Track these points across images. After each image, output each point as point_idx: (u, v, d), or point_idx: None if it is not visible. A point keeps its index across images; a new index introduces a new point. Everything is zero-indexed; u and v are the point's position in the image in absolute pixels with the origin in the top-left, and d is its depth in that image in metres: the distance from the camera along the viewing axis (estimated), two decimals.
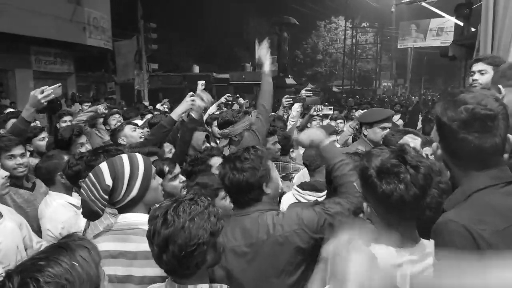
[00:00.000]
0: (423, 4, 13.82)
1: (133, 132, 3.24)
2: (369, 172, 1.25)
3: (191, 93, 3.06)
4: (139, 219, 1.56)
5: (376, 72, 32.62)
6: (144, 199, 1.60)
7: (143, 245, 1.38)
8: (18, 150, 2.50)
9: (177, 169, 2.31)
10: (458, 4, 10.50)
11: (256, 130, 2.55)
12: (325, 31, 35.66)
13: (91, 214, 1.59)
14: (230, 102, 4.94)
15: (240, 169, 1.60)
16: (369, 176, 1.25)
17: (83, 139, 3.15)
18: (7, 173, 2.12)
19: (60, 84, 2.79)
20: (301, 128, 4.52)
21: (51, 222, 2.29)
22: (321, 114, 5.12)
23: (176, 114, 3.06)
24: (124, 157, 1.61)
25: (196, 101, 2.88)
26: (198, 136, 3.13)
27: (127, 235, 1.53)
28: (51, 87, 2.67)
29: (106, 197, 1.54)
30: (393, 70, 34.98)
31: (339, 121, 5.62)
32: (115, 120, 4.38)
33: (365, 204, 1.36)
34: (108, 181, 1.54)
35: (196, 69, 27.91)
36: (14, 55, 13.62)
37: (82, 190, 1.58)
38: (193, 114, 2.87)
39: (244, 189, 1.61)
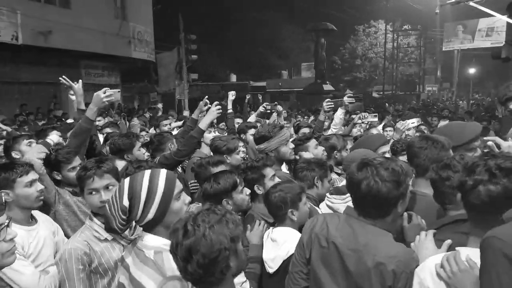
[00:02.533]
0: (471, 3, 13.10)
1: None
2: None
3: (216, 102, 3.16)
4: (157, 243, 1.51)
5: (420, 76, 31.30)
6: (163, 222, 1.52)
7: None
8: (77, 162, 2.55)
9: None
10: (511, 2, 9.86)
11: None
12: (364, 35, 34.87)
13: (110, 229, 1.58)
14: (269, 111, 4.93)
15: (384, 178, 1.47)
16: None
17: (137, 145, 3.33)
18: (42, 187, 2.15)
19: (119, 89, 2.94)
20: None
21: None
22: (366, 122, 4.93)
23: (204, 124, 3.18)
24: (146, 175, 1.52)
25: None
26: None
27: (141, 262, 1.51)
28: (111, 90, 2.79)
29: (124, 216, 1.50)
30: (438, 74, 33.42)
31: (388, 129, 5.21)
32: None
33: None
34: (125, 201, 1.49)
35: (233, 78, 28.37)
36: (66, 69, 14.53)
37: (106, 204, 1.55)
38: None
39: (378, 201, 1.49)
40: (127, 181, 1.53)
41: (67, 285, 1.76)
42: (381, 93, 29.33)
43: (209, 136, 3.86)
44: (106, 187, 1.98)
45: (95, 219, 1.93)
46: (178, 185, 1.56)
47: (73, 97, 3.15)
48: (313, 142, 3.25)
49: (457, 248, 1.34)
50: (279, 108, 4.97)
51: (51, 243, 2.15)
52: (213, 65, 29.47)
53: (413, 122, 4.53)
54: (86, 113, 2.79)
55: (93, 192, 1.96)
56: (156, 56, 19.15)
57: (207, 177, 2.37)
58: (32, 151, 2.53)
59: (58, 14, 12.48)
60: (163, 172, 1.55)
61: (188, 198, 1.62)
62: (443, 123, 7.70)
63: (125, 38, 15.90)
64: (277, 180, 2.50)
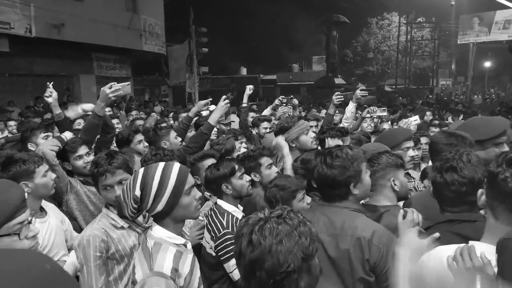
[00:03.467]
0: None
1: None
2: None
3: (224, 96, 3.13)
4: (161, 235, 1.52)
5: (434, 70, 30.74)
6: (171, 215, 1.52)
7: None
8: (83, 150, 2.64)
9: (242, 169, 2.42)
10: None
11: None
12: (377, 28, 34.35)
13: (122, 216, 1.60)
14: (284, 104, 4.86)
15: (329, 165, 1.67)
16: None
17: (140, 136, 3.30)
18: (55, 175, 2.27)
19: (129, 82, 2.85)
20: (353, 131, 4.31)
21: None
22: (375, 116, 4.82)
23: (213, 120, 3.22)
24: (160, 167, 1.53)
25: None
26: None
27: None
28: (119, 84, 2.73)
29: (135, 205, 1.51)
30: (453, 68, 32.78)
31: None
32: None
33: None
34: (137, 191, 1.50)
35: (244, 71, 28.28)
36: (79, 61, 14.74)
37: (120, 191, 1.58)
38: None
39: (330, 185, 1.69)
40: (141, 171, 1.54)
41: (85, 270, 1.81)
42: (394, 87, 28.94)
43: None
44: (120, 182, 1.99)
45: (111, 208, 1.98)
46: (190, 181, 1.55)
47: (50, 100, 3.14)
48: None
49: (471, 242, 1.30)
50: (295, 101, 4.89)
51: (61, 232, 2.23)
52: (223, 58, 29.43)
53: (416, 119, 4.47)
54: (94, 109, 2.80)
55: (108, 188, 1.99)
56: (167, 49, 19.20)
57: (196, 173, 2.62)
58: (46, 144, 2.58)
59: (71, 7, 12.56)
60: (176, 166, 1.54)
61: (198, 194, 1.60)
62: (456, 118, 7.55)
63: (136, 31, 15.96)
64: (274, 169, 2.66)
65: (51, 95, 3.12)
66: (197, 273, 1.63)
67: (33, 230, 1.24)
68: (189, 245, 1.65)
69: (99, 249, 1.83)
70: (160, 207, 1.49)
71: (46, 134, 3.19)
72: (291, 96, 4.92)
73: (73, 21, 12.53)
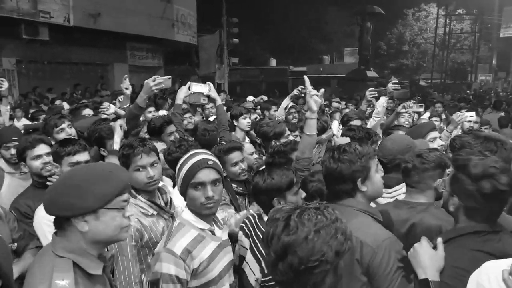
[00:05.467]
0: None
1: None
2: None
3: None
4: (187, 217, 1.67)
5: (472, 64, 29.25)
6: (187, 202, 1.68)
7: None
8: (42, 150, 2.42)
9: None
10: None
11: None
12: (413, 20, 33.02)
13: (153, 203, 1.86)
14: (303, 95, 4.77)
15: (337, 159, 1.66)
16: None
17: (172, 128, 3.24)
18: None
19: (170, 76, 2.94)
20: (386, 127, 4.16)
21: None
22: (410, 112, 4.63)
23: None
24: (188, 154, 1.70)
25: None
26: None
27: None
28: (162, 77, 2.84)
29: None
30: (494, 62, 31.05)
31: (434, 118, 4.99)
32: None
33: None
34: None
35: (273, 62, 28.06)
36: (113, 50, 15.16)
37: (153, 172, 1.94)
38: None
39: (336, 179, 1.66)
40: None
41: (119, 260, 1.83)
42: (429, 81, 27.82)
43: (244, 122, 3.81)
44: (152, 164, 2.03)
45: (139, 196, 2.00)
46: (200, 177, 1.60)
47: (127, 92, 3.46)
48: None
49: None
50: (320, 91, 4.78)
51: None
52: (253, 49, 29.32)
53: (472, 115, 4.14)
54: (137, 100, 2.86)
55: (140, 169, 2.01)
56: (198, 39, 19.36)
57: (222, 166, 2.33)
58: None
59: None
60: (195, 159, 1.63)
61: (210, 193, 1.60)
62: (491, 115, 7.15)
63: (169, 21, 16.18)
64: (241, 165, 2.49)
65: (128, 88, 3.44)
66: (223, 263, 1.65)
67: (129, 211, 1.36)
68: (219, 233, 1.68)
69: (134, 239, 1.86)
70: (178, 189, 1.68)
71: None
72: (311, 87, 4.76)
73: (109, 10, 12.88)
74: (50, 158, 2.36)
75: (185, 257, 1.52)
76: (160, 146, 2.60)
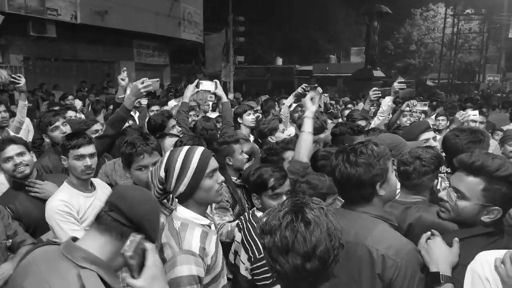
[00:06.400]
0: None
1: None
2: None
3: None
4: (186, 215, 1.56)
5: (481, 64, 28.94)
6: (193, 197, 1.56)
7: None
8: (13, 150, 2.28)
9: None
10: None
11: None
12: (421, 20, 32.75)
13: None
14: (307, 92, 4.73)
15: (353, 162, 1.49)
16: None
17: (173, 121, 3.32)
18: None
19: (158, 79, 2.97)
20: (390, 126, 4.13)
21: None
22: (414, 110, 4.58)
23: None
24: (183, 150, 1.58)
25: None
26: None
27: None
28: (150, 80, 2.81)
29: (161, 186, 1.57)
30: (502, 63, 30.71)
31: (441, 118, 4.91)
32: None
33: None
34: (162, 172, 1.55)
35: (279, 61, 27.98)
36: (120, 48, 15.21)
37: (149, 172, 1.64)
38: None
39: (354, 185, 1.50)
40: (167, 153, 1.60)
41: None
42: (436, 81, 27.60)
43: (248, 118, 3.83)
44: (154, 164, 2.00)
45: None
46: (212, 164, 1.57)
47: (123, 83, 3.49)
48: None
49: None
50: (319, 90, 4.74)
51: None
52: (259, 48, 29.25)
53: (475, 114, 4.11)
54: (124, 103, 2.83)
55: (142, 169, 2.00)
56: (204, 37, 19.37)
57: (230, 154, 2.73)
58: None
59: None
60: (199, 150, 1.58)
61: (221, 178, 1.62)
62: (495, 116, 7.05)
63: (176, 19, 16.20)
64: (245, 155, 2.76)
65: (125, 80, 3.47)
66: (221, 254, 1.67)
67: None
68: (213, 227, 1.68)
69: None
70: (182, 188, 1.53)
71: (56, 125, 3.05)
72: (316, 84, 4.75)
73: (116, 8, 12.92)
74: (23, 159, 2.27)
75: (203, 255, 1.49)
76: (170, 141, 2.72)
